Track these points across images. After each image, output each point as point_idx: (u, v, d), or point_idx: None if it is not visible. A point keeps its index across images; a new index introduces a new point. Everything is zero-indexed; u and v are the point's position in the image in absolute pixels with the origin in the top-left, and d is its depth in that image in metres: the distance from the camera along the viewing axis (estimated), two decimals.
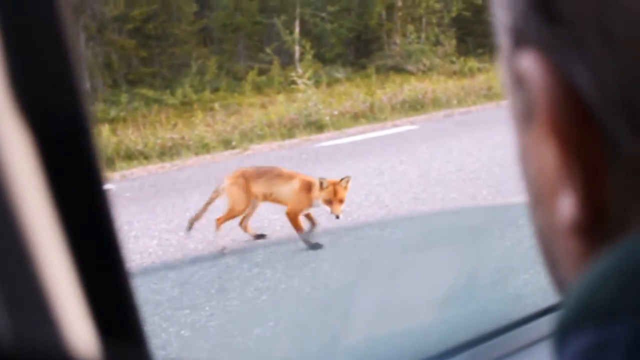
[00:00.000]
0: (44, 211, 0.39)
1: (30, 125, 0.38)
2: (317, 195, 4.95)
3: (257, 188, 5.27)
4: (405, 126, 10.25)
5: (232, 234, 5.48)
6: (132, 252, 5.21)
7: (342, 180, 4.98)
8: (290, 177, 5.23)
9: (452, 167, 7.30)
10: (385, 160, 7.84)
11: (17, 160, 0.37)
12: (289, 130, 10.21)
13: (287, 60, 15.65)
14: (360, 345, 1.00)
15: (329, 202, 4.90)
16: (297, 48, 15.66)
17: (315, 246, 4.80)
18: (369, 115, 11.19)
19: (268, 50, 15.09)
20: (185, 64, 14.95)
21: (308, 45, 14.84)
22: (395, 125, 10.35)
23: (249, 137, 9.76)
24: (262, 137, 9.77)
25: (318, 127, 10.36)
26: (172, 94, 13.51)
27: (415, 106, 11.83)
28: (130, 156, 8.90)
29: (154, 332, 3.91)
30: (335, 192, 4.89)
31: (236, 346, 3.72)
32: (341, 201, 4.92)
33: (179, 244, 5.37)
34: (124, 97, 13.07)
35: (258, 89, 14.50)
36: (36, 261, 0.37)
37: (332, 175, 7.15)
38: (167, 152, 9.09)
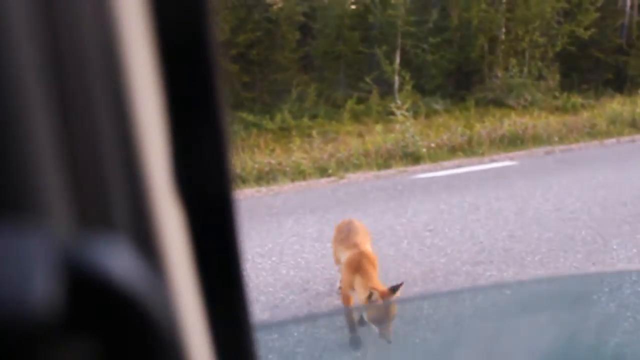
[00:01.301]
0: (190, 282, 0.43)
1: (183, 199, 0.42)
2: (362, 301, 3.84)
3: (337, 253, 4.46)
4: (503, 161, 10.08)
5: (323, 261, 5.52)
6: None
7: (395, 289, 3.67)
8: (348, 247, 4.19)
9: (551, 205, 7.13)
10: (482, 195, 7.73)
11: (171, 229, 0.41)
12: (385, 160, 10.21)
13: (386, 90, 15.69)
14: None
15: (377, 321, 3.51)
16: (396, 78, 15.70)
17: (355, 341, 3.79)
18: (466, 149, 11.07)
19: (368, 79, 15.18)
20: (285, 90, 15.22)
21: (408, 76, 14.85)
22: (493, 160, 10.19)
23: (345, 166, 9.81)
24: (358, 166, 9.81)
25: (414, 158, 10.32)
26: (272, 119, 13.75)
27: (514, 141, 11.61)
28: None
29: None
30: (386, 311, 3.43)
31: None
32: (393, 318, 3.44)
33: (272, 269, 5.43)
34: None
35: (356, 117, 14.57)
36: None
37: (425, 208, 7.14)
38: (264, 177, 9.25)
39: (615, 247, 5.67)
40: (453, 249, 5.79)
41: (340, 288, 4.58)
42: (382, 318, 3.45)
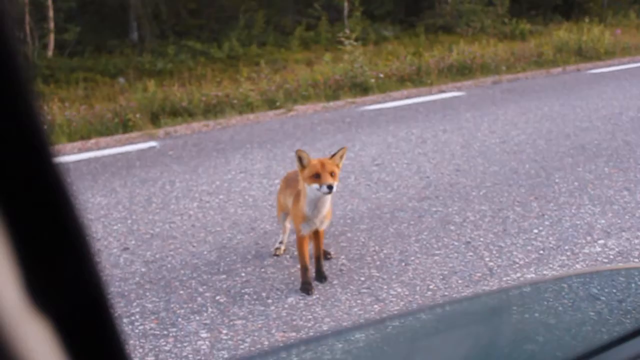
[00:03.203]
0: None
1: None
2: (301, 177, 3.83)
3: (284, 199, 4.34)
4: (451, 92, 10.11)
5: (271, 198, 5.52)
6: (173, 214, 5.29)
7: (334, 154, 3.82)
8: (296, 187, 4.09)
9: (497, 138, 7.21)
10: (429, 127, 7.78)
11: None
12: (333, 91, 10.15)
13: (336, 16, 15.52)
14: None
15: (315, 178, 3.69)
16: (346, 4, 15.49)
17: (307, 288, 4.00)
18: (415, 79, 11.07)
19: (316, 5, 14.97)
20: (233, 17, 14.93)
21: (357, 2, 14.66)
22: (441, 91, 10.22)
23: (293, 97, 9.73)
24: (306, 98, 9.73)
25: (363, 89, 10.28)
26: (219, 47, 13.52)
27: (462, 71, 11.66)
28: (175, 112, 8.96)
29: (191, 296, 3.99)
30: (322, 164, 3.69)
31: (269, 314, 3.78)
32: (332, 174, 3.68)
33: (219, 207, 5.42)
34: (171, 49, 13.13)
35: (305, 45, 14.44)
36: None
37: (373, 141, 7.17)
38: (211, 110, 9.13)
39: (557, 180, 5.78)
40: (400, 184, 5.83)
41: (280, 243, 4.59)
42: (318, 172, 3.66)
